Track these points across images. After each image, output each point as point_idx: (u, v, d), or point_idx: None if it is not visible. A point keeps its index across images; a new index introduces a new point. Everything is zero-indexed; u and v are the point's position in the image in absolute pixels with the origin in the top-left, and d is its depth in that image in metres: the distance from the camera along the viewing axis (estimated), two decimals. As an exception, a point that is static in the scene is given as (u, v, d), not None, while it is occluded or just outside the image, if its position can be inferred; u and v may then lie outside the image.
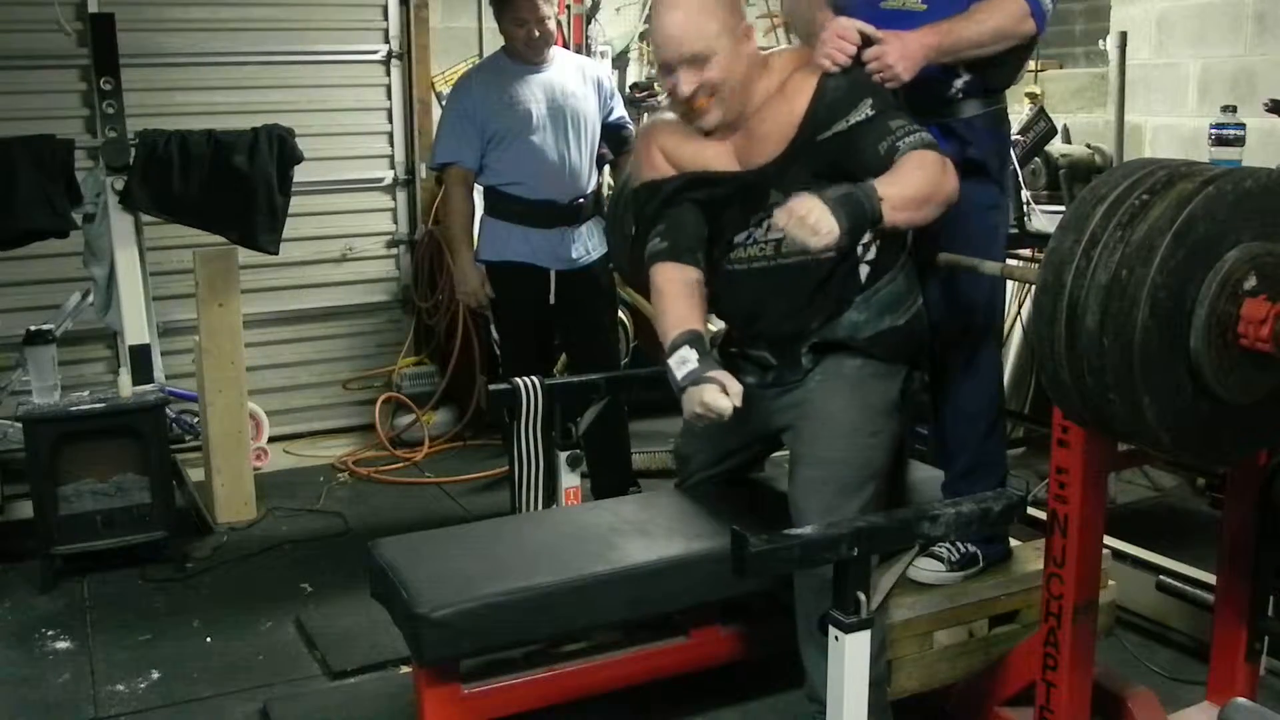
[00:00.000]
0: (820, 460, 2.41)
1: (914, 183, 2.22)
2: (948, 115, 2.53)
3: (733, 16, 2.36)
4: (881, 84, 2.32)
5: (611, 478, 3.80)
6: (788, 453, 2.57)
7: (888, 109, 2.32)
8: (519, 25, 3.62)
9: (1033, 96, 4.43)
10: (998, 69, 2.52)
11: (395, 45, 5.12)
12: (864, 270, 2.42)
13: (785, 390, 2.52)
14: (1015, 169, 3.59)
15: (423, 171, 5.20)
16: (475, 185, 3.82)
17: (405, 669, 3.01)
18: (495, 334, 3.84)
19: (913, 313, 2.46)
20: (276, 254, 4.16)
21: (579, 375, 3.45)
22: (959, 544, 2.61)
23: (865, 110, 2.31)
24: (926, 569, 2.60)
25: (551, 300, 3.76)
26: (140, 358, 3.91)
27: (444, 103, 4.10)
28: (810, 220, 2.09)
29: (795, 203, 2.14)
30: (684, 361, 2.31)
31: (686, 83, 2.33)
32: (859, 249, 2.39)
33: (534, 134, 3.66)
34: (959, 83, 2.51)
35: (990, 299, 2.66)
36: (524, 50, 3.67)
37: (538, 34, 3.64)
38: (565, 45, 4.87)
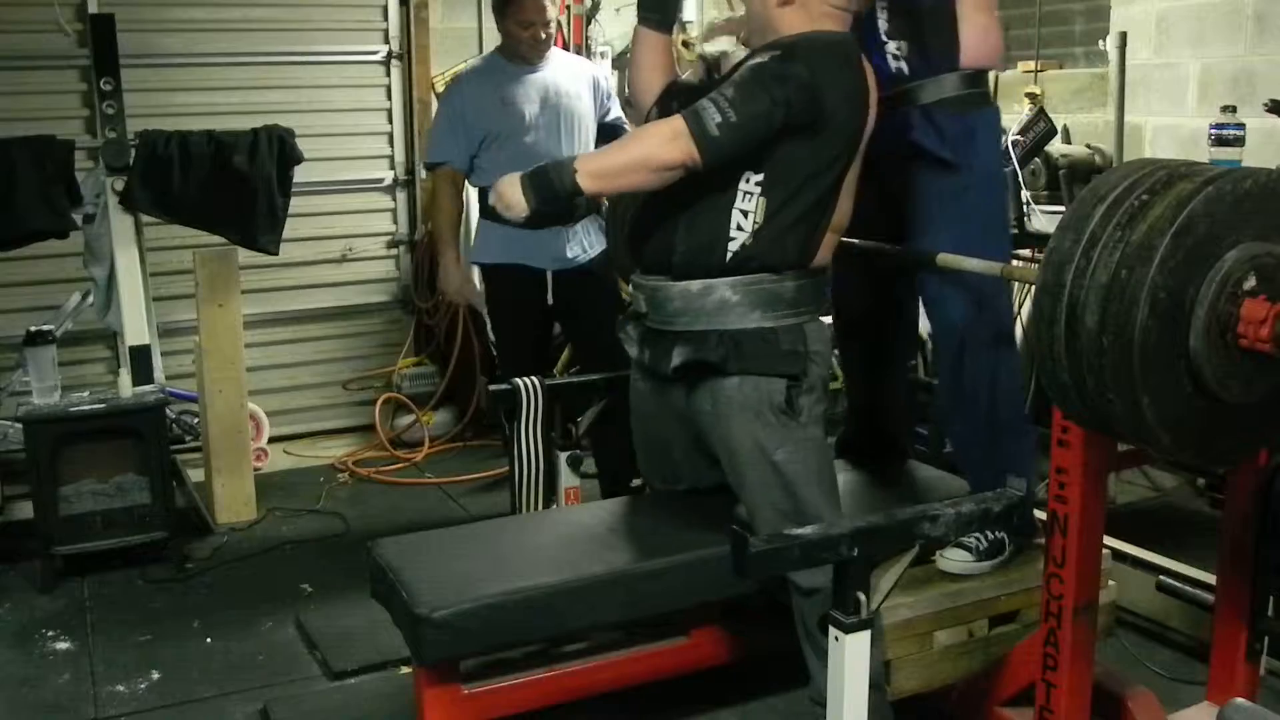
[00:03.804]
0: (745, 487, 2.45)
1: (618, 153, 2.41)
2: (909, 103, 2.51)
3: None
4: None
5: (618, 476, 3.77)
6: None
7: (766, 71, 2.30)
8: (525, 27, 3.61)
9: (1033, 97, 4.42)
10: (930, 36, 2.49)
11: (395, 45, 5.13)
12: (745, 225, 2.35)
13: (677, 399, 2.51)
14: (1015, 170, 3.58)
15: (422, 172, 5.20)
16: (467, 186, 3.80)
17: (405, 669, 3.02)
18: (491, 335, 3.83)
19: (788, 323, 2.39)
20: (276, 254, 4.17)
21: (580, 375, 3.45)
22: (986, 531, 2.60)
23: (765, 56, 2.34)
24: (955, 559, 2.60)
25: (549, 301, 3.75)
26: (140, 358, 3.91)
27: (437, 102, 4.09)
28: (505, 196, 2.37)
29: (500, 180, 2.41)
30: None
31: None
32: (736, 193, 2.34)
33: (528, 135, 3.64)
34: (893, 46, 2.50)
35: (978, 301, 2.57)
36: (527, 52, 3.66)
37: (543, 35, 3.63)
38: (565, 46, 4.87)
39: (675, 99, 2.55)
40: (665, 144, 2.28)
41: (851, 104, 2.34)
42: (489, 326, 3.85)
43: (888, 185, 2.60)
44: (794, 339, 2.39)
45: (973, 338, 2.60)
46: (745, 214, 2.35)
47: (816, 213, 2.38)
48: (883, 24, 2.50)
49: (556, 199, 2.36)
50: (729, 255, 2.36)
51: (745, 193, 2.35)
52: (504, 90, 3.66)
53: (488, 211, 3.76)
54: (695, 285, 2.39)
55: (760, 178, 2.34)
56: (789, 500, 2.40)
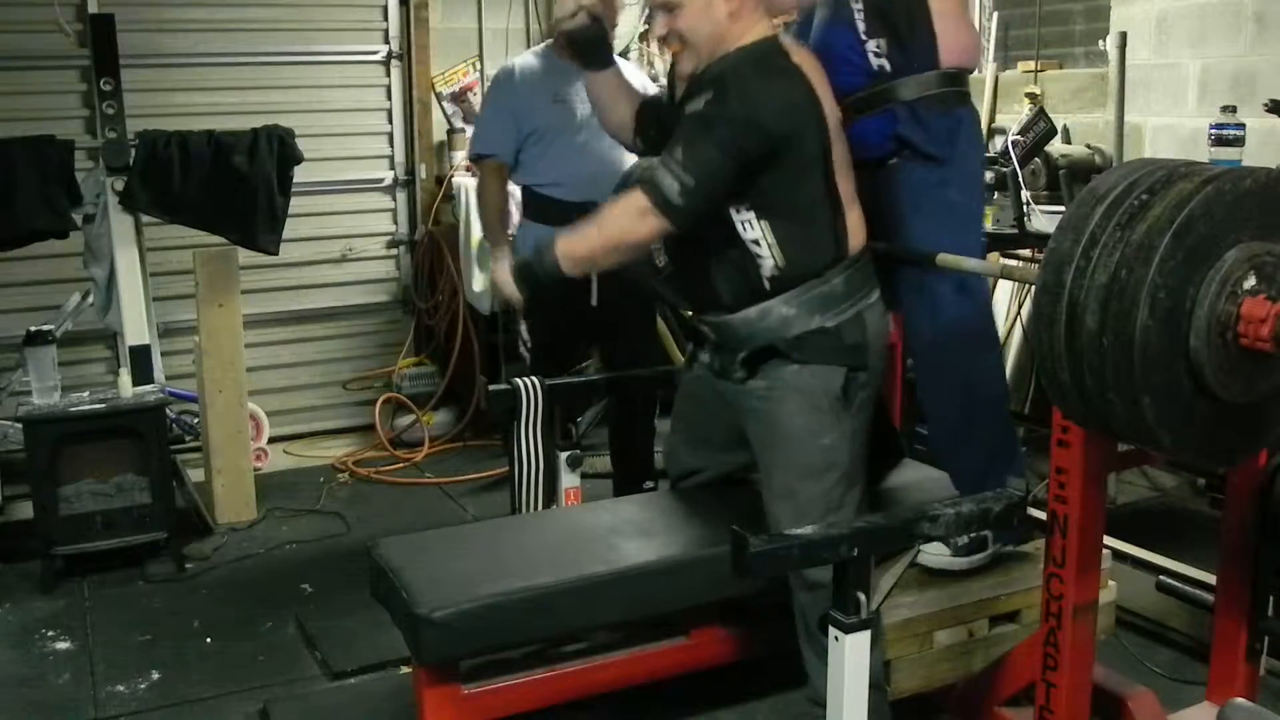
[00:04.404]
0: (779, 468, 2.47)
1: (595, 238, 2.45)
2: (893, 99, 2.50)
3: None
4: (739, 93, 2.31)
5: (631, 476, 3.74)
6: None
7: (706, 122, 2.32)
8: None
9: (1032, 97, 4.43)
10: (906, 33, 2.50)
11: (395, 45, 5.13)
12: (762, 252, 2.38)
13: (731, 385, 2.54)
14: (1015, 170, 3.58)
15: (422, 172, 5.20)
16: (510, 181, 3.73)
17: (405, 669, 3.01)
18: (525, 335, 3.73)
19: (846, 316, 2.43)
20: (276, 254, 4.17)
21: (580, 375, 3.44)
22: None
23: (700, 102, 2.35)
24: (932, 552, 2.60)
25: (594, 302, 3.66)
26: (140, 358, 3.91)
27: (485, 91, 3.98)
28: (503, 288, 2.62)
29: (496, 268, 2.70)
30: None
31: (659, 26, 2.48)
32: (735, 227, 2.38)
33: (578, 134, 3.51)
34: (873, 44, 2.50)
35: (963, 299, 2.57)
36: None
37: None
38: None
39: (652, 125, 2.63)
40: (635, 223, 2.37)
41: (795, 110, 2.34)
42: (523, 327, 3.75)
43: (868, 180, 2.59)
44: (856, 332, 2.44)
45: (955, 337, 2.60)
46: (757, 242, 2.39)
47: (824, 210, 2.40)
48: (861, 25, 2.51)
49: (544, 285, 2.52)
50: (767, 282, 2.41)
51: (743, 223, 2.39)
52: (557, 87, 3.53)
53: (531, 211, 3.70)
54: (753, 312, 2.44)
55: (747, 204, 2.37)
56: (819, 486, 2.43)
